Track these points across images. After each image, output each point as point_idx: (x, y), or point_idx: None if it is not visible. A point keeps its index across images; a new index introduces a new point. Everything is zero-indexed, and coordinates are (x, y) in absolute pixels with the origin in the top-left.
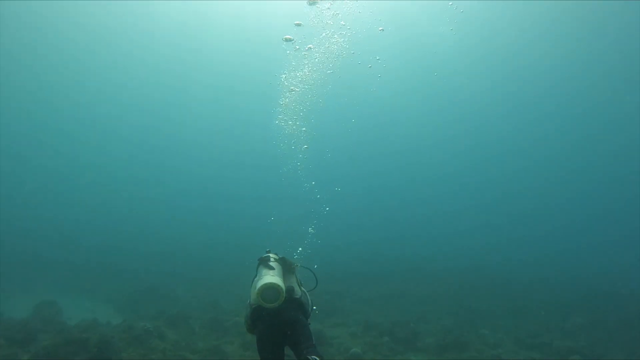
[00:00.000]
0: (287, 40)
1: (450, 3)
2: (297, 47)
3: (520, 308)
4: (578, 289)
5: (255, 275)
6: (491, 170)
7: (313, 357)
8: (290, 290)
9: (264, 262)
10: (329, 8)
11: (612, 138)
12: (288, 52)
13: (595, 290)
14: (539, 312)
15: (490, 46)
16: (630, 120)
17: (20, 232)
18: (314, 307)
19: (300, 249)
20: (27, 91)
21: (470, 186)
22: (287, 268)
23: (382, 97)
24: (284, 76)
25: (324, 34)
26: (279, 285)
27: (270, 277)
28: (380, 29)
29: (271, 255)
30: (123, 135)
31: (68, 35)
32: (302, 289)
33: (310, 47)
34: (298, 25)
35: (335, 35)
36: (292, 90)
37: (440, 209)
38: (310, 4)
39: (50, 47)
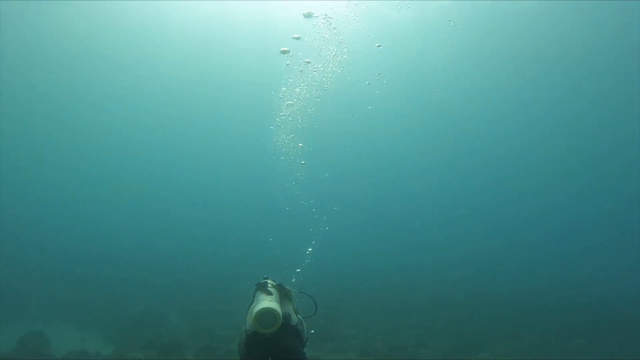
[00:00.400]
0: (283, 52)
1: (448, 19)
2: (289, 62)
3: (519, 330)
4: (578, 309)
5: (252, 302)
6: (490, 190)
7: None
8: (287, 317)
9: (261, 288)
10: (323, 22)
11: (610, 157)
12: (287, 63)
13: (596, 309)
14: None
15: (488, 62)
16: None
17: (4, 259)
18: (312, 331)
19: (298, 270)
20: (20, 101)
21: (467, 207)
22: (284, 295)
23: (380, 113)
24: (282, 89)
25: (321, 49)
26: (276, 311)
27: (268, 302)
28: (377, 45)
29: (269, 281)
30: (112, 154)
31: (58, 39)
32: (299, 316)
33: (308, 61)
34: (297, 38)
35: (333, 51)
36: (289, 104)
37: (438, 229)
38: (306, 16)
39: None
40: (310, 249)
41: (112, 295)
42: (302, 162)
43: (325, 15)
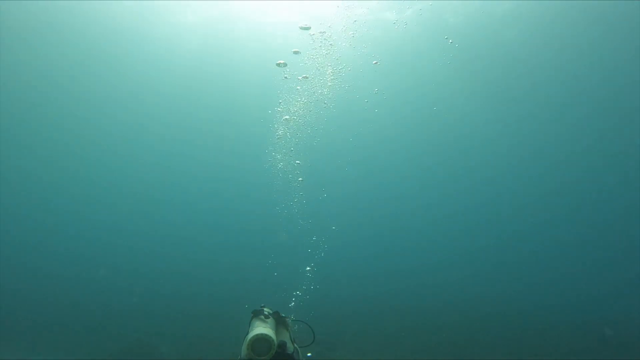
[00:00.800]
0: (279, 65)
1: (445, 36)
2: (287, 76)
3: (521, 354)
4: (583, 335)
5: (248, 330)
6: (491, 210)
7: None
8: (282, 345)
9: (257, 315)
10: (318, 37)
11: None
12: (286, 77)
13: (602, 335)
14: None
15: (486, 79)
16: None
17: None
18: (309, 354)
19: (298, 292)
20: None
21: (471, 224)
22: (280, 323)
23: (380, 132)
24: (279, 103)
25: (319, 65)
26: (270, 337)
27: (262, 329)
28: (374, 62)
29: (265, 309)
30: (101, 176)
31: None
32: (295, 345)
33: (305, 77)
34: (296, 52)
35: (329, 70)
36: (287, 119)
37: (441, 247)
38: (303, 29)
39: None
40: (308, 268)
41: (99, 324)
42: (300, 179)
43: (324, 32)
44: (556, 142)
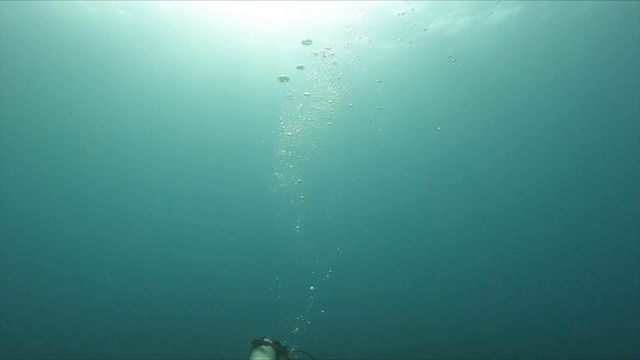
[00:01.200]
0: (281, 79)
1: (449, 55)
2: (290, 95)
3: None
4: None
5: None
6: (496, 228)
7: None
8: None
9: (256, 345)
10: (316, 54)
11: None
12: (290, 96)
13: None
14: None
15: (491, 100)
16: None
17: None
18: None
19: (302, 316)
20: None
21: (479, 242)
22: (281, 353)
23: (384, 150)
24: (280, 117)
25: (321, 81)
26: None
27: (261, 357)
28: (377, 80)
29: (265, 339)
30: (98, 199)
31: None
32: None
33: (306, 94)
34: (300, 68)
35: (329, 87)
36: (288, 135)
37: (446, 267)
38: (304, 44)
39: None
40: (312, 287)
41: (98, 351)
42: (302, 196)
43: (327, 49)
44: (559, 155)
